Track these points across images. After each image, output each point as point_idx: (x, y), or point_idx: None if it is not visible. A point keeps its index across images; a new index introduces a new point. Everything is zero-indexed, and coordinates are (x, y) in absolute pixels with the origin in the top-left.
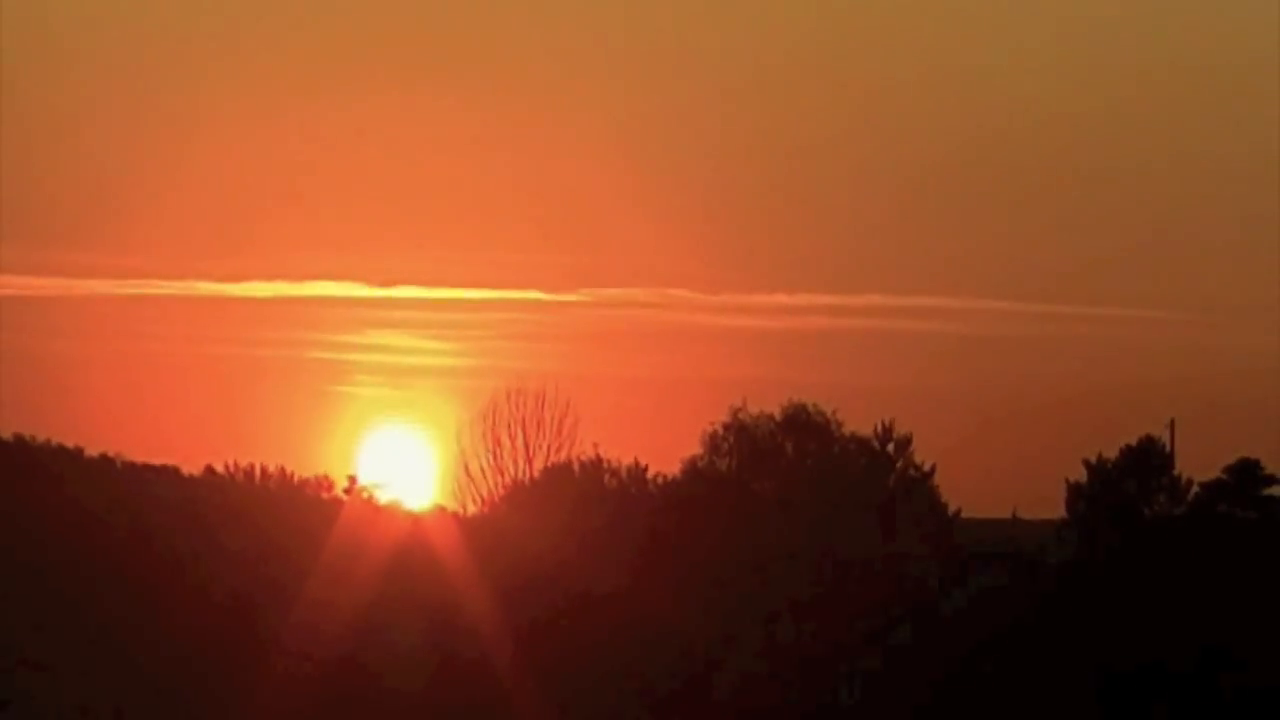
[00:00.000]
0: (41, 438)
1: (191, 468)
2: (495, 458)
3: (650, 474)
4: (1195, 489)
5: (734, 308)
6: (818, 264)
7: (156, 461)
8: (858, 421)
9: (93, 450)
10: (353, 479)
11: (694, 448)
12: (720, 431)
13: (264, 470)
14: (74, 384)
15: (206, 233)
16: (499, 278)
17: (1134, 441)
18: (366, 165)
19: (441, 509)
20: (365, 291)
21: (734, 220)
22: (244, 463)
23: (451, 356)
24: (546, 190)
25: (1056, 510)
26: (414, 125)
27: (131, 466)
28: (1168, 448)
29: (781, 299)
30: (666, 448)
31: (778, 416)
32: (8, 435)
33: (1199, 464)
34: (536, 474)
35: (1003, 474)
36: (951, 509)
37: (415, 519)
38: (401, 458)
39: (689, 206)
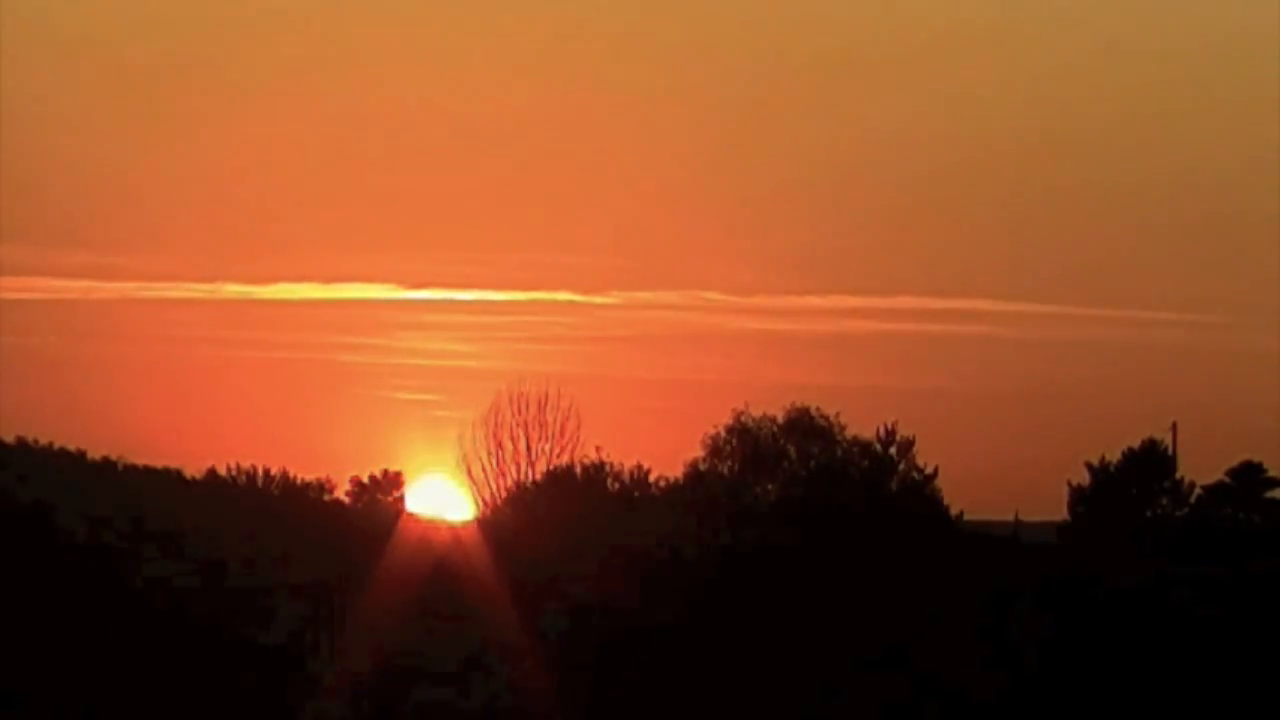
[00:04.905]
0: (44, 440)
1: (195, 470)
2: (497, 460)
3: (653, 477)
4: (1198, 492)
5: (766, 310)
6: (850, 266)
7: (159, 464)
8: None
9: (95, 453)
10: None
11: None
12: (722, 434)
13: (267, 472)
14: (101, 387)
15: (235, 235)
16: (530, 279)
17: (1136, 444)
18: (397, 166)
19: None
20: (396, 294)
21: (767, 223)
22: (259, 466)
23: (483, 359)
24: (578, 192)
25: (1059, 513)
26: (443, 126)
27: (133, 469)
28: (1170, 450)
29: (814, 301)
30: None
31: (780, 419)
32: (10, 438)
33: (1202, 467)
34: (538, 477)
35: (1006, 477)
36: (954, 511)
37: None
38: (431, 464)
39: (722, 209)
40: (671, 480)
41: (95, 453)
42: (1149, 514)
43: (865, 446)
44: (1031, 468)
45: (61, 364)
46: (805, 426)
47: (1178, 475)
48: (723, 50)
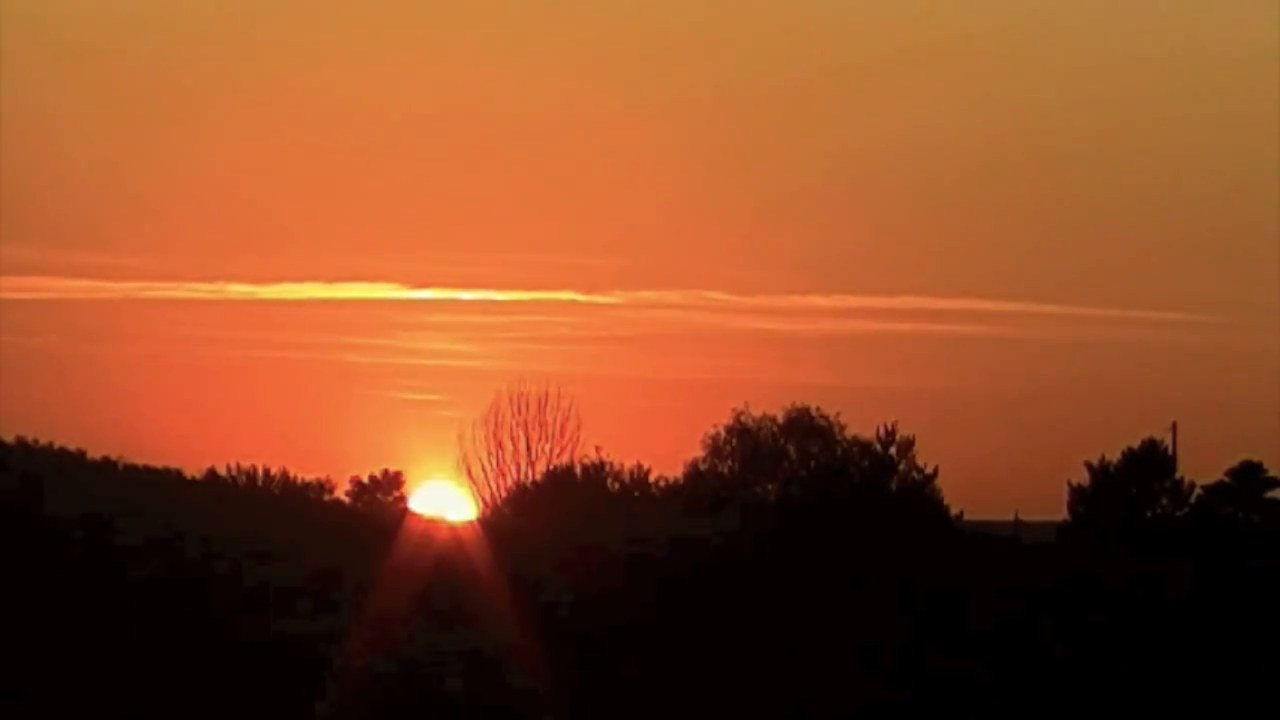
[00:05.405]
0: (44, 440)
1: (195, 470)
2: (497, 460)
3: (653, 477)
4: (1198, 492)
5: (767, 310)
6: (851, 266)
7: (159, 464)
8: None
9: (95, 453)
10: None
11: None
12: (722, 434)
13: (267, 472)
14: (102, 387)
15: (238, 235)
16: (532, 279)
17: (1136, 444)
18: (400, 166)
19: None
20: (399, 294)
21: (768, 223)
22: (259, 466)
23: (485, 359)
24: (580, 192)
25: (1059, 513)
26: (445, 127)
27: (133, 469)
28: (1170, 450)
29: (814, 301)
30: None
31: (780, 419)
32: (11, 438)
33: (1202, 467)
34: (538, 477)
35: (1006, 477)
36: (954, 511)
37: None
38: (433, 464)
39: (723, 209)
40: (671, 480)
41: (95, 453)
42: (1149, 514)
43: (865, 446)
44: (1031, 468)
45: (63, 364)
46: (805, 426)
47: (1178, 475)
48: (723, 51)
